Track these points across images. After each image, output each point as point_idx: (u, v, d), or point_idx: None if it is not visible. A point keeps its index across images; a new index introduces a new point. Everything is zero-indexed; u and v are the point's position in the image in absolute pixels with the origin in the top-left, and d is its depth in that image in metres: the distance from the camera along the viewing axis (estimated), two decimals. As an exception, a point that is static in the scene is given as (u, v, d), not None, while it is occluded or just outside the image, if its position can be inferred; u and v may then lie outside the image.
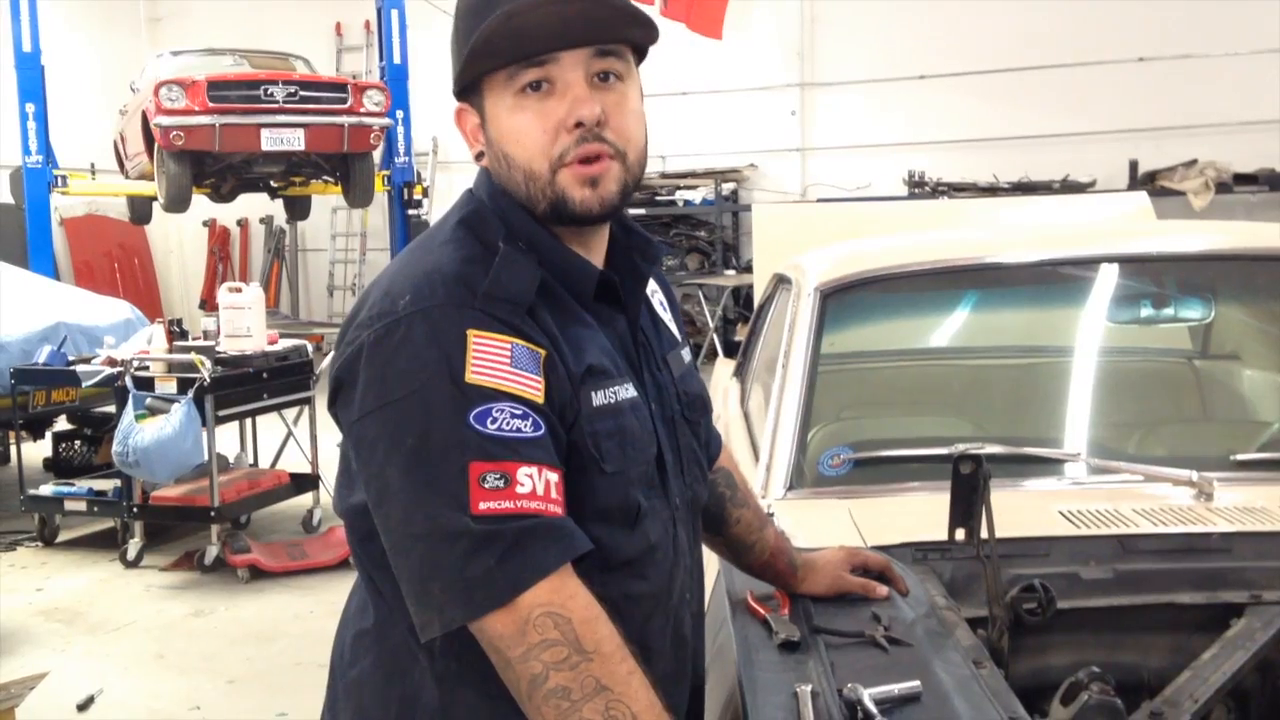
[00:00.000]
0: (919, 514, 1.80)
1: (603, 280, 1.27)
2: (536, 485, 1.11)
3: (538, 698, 1.08)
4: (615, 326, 1.29)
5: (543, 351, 1.16)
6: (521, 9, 1.15)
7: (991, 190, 10.38)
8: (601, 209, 1.22)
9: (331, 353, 1.32)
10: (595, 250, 1.29)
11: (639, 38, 1.22)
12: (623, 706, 1.07)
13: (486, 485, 1.09)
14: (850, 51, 11.45)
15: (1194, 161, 10.05)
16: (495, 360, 1.13)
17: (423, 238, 1.28)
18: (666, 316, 1.45)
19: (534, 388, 1.14)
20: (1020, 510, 1.85)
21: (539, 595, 1.08)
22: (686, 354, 1.46)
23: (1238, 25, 10.01)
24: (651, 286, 1.43)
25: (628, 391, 1.25)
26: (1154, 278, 2.65)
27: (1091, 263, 2.57)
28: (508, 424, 1.11)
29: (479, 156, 1.28)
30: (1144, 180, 10.03)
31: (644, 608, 1.28)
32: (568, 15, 1.17)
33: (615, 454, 1.22)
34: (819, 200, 10.93)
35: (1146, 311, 2.70)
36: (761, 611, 1.45)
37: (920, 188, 10.87)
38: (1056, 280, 2.66)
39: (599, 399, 1.21)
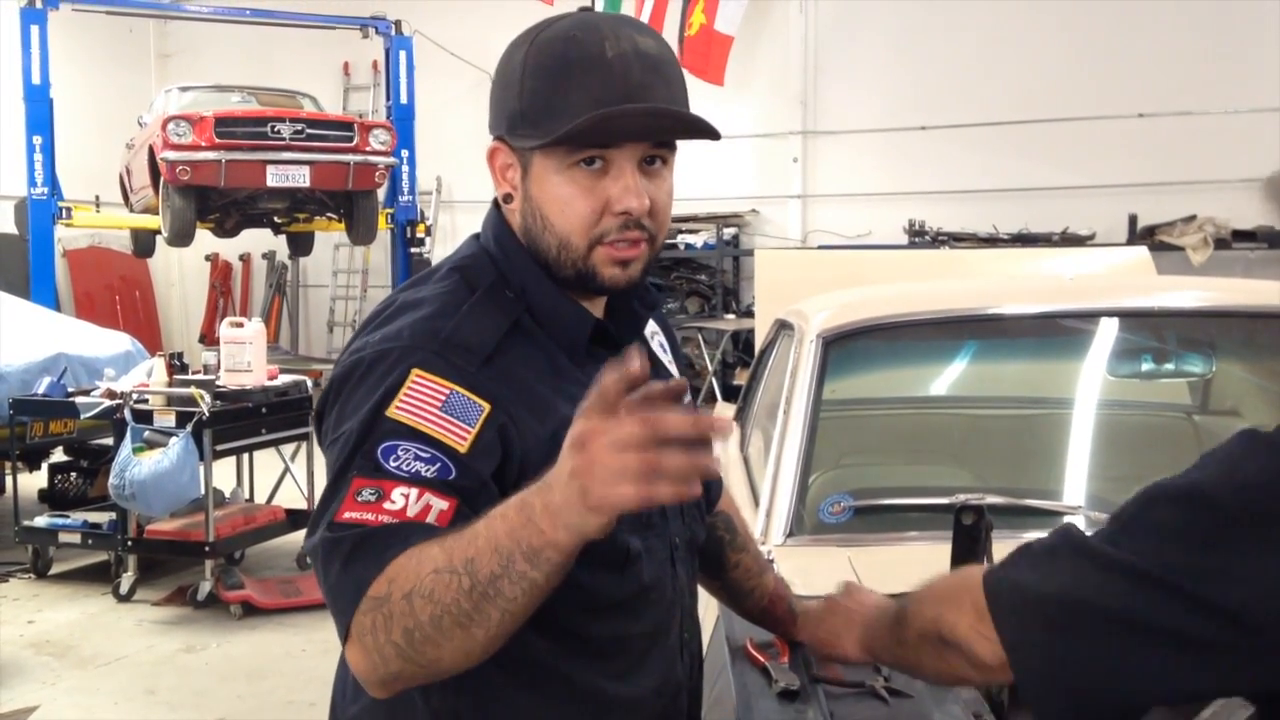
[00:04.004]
0: (919, 563, 1.79)
1: (599, 326, 1.28)
2: (411, 506, 1.09)
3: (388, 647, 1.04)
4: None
5: (486, 405, 1.15)
6: (616, 115, 1.16)
7: (991, 241, 10.43)
8: (627, 285, 1.25)
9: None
10: (596, 299, 1.30)
11: (700, 138, 1.24)
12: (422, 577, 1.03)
13: (359, 499, 1.10)
14: (853, 101, 11.55)
15: (1193, 217, 10.11)
16: (425, 402, 1.13)
17: (423, 278, 1.30)
18: (666, 358, 1.45)
19: (458, 436, 1.13)
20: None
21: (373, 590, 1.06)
22: (686, 397, 1.46)
23: (1238, 83, 10.10)
24: (652, 328, 1.44)
25: None
26: (1155, 332, 2.66)
27: (1093, 316, 2.58)
28: (408, 464, 1.11)
29: (506, 199, 1.28)
30: (1143, 234, 10.09)
31: (639, 647, 1.28)
32: (661, 125, 1.20)
33: None
34: (820, 247, 10.97)
35: (1147, 366, 2.71)
36: (761, 659, 1.44)
37: (920, 237, 10.92)
38: (1058, 332, 2.67)
39: None
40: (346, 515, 1.09)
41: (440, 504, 1.10)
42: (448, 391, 1.14)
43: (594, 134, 1.17)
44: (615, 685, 1.26)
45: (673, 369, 1.45)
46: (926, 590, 1.20)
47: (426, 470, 1.10)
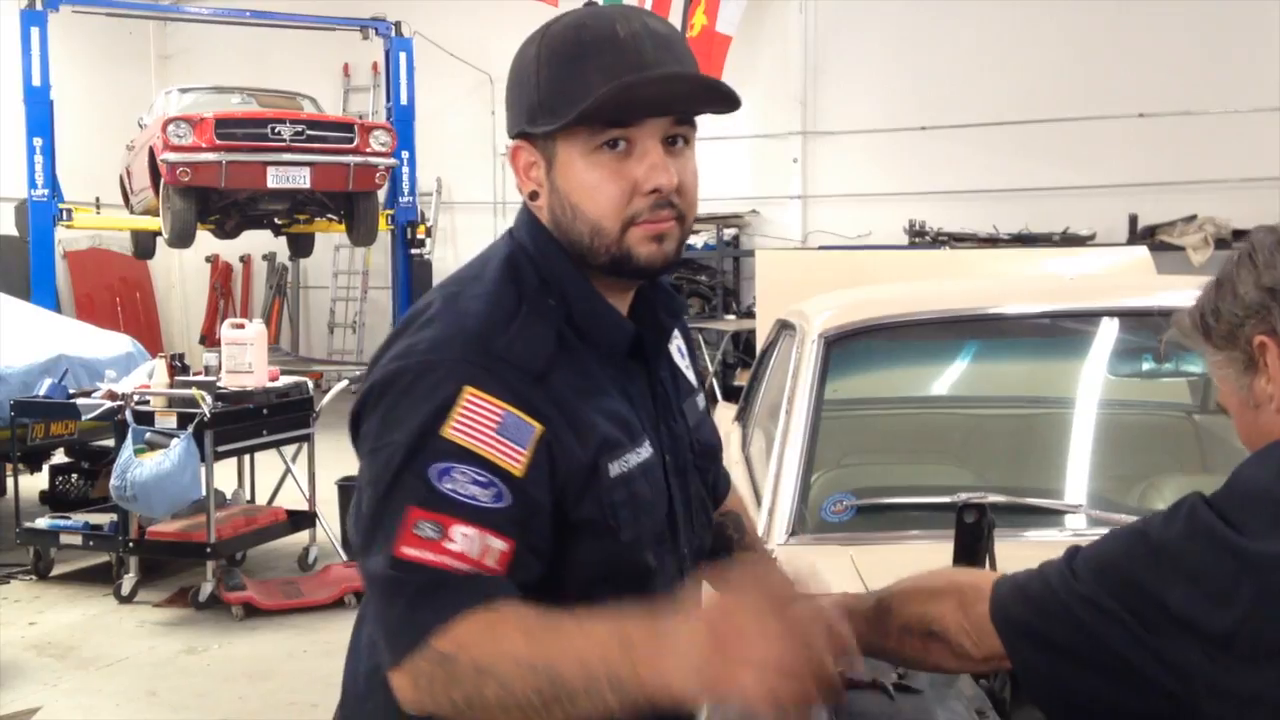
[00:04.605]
0: (921, 562, 1.79)
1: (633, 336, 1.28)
2: (473, 547, 1.09)
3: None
4: (635, 380, 1.29)
5: (539, 427, 1.14)
6: (641, 83, 1.16)
7: (992, 241, 10.43)
8: (664, 264, 1.24)
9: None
10: (623, 304, 1.30)
11: (721, 110, 1.24)
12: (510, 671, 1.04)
13: (417, 532, 1.09)
14: (853, 101, 11.55)
15: (1193, 217, 10.12)
16: (481, 422, 1.12)
17: (466, 278, 1.26)
18: (684, 363, 1.45)
19: (514, 459, 1.12)
20: (1022, 560, 1.83)
21: (439, 643, 1.07)
22: (701, 400, 1.47)
23: (1238, 83, 10.11)
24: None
25: (639, 455, 1.24)
26: (1155, 332, 2.66)
27: (1094, 315, 2.58)
28: (464, 488, 1.10)
29: (532, 196, 1.27)
30: (1143, 234, 10.10)
31: None
32: (677, 92, 1.20)
33: (630, 520, 1.22)
34: (820, 248, 10.98)
35: (1147, 365, 2.72)
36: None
37: (921, 237, 10.93)
38: (1059, 332, 2.68)
39: (614, 469, 1.21)
40: (407, 552, 1.08)
41: (499, 545, 1.10)
42: (503, 412, 1.13)
43: (615, 107, 1.16)
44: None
45: (690, 375, 1.45)
46: (910, 587, 1.29)
47: (482, 495, 1.10)
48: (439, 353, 1.15)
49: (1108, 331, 2.59)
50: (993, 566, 1.55)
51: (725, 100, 1.20)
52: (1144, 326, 2.63)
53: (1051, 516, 2.15)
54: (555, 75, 1.19)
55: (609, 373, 1.25)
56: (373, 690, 1.27)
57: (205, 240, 10.80)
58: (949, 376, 3.01)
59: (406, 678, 1.08)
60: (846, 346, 2.52)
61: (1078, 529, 2.12)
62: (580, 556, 1.19)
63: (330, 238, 12.33)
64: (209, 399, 5.29)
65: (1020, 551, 1.91)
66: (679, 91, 1.21)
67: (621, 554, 1.22)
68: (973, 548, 1.56)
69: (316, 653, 4.78)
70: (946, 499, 1.93)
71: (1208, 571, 1.03)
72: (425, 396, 1.13)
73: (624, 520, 1.21)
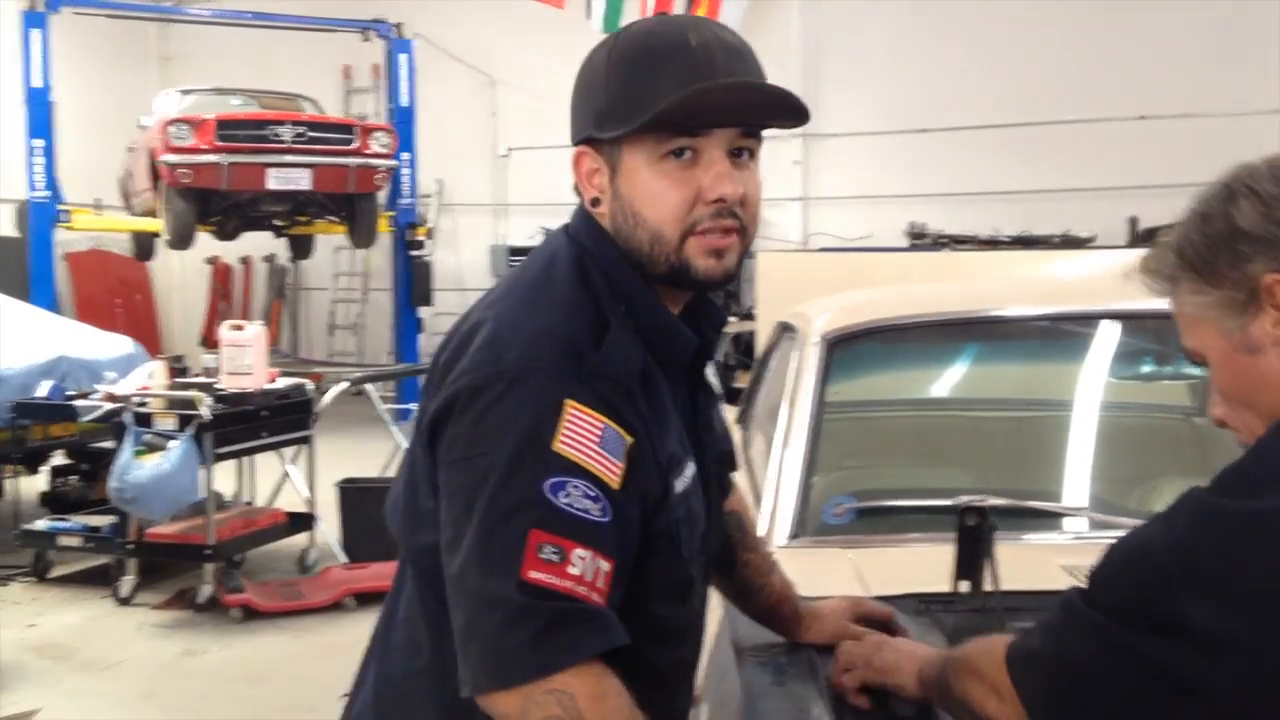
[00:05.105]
0: (922, 565, 1.79)
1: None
2: (587, 570, 1.09)
3: None
4: (680, 392, 1.29)
5: (630, 439, 1.14)
6: (718, 89, 1.17)
7: (992, 243, 10.44)
8: (723, 278, 1.24)
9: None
10: (676, 314, 1.29)
11: (789, 124, 1.23)
12: None
13: (542, 556, 1.08)
14: (853, 103, 11.56)
15: (1193, 219, 10.13)
16: (585, 435, 1.11)
17: (535, 282, 1.24)
18: (709, 371, 1.46)
19: (614, 473, 1.12)
20: (1023, 563, 1.84)
21: (562, 681, 1.07)
22: (722, 408, 1.47)
23: (1238, 86, 10.12)
24: None
25: (691, 469, 1.25)
26: (1156, 335, 2.66)
27: (1095, 318, 2.58)
28: (578, 502, 1.10)
29: (594, 203, 1.26)
30: (1143, 237, 10.10)
31: (684, 672, 1.32)
32: (749, 102, 1.20)
33: (688, 537, 1.23)
34: (821, 250, 10.99)
35: (1148, 368, 2.71)
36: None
37: (921, 239, 10.93)
38: (1060, 335, 2.67)
39: (679, 485, 1.22)
40: (533, 576, 1.07)
41: (605, 566, 1.10)
42: (603, 426, 1.13)
43: (687, 113, 1.16)
44: (666, 708, 1.28)
45: (714, 382, 1.46)
46: (963, 657, 1.22)
47: (594, 509, 1.10)
48: (528, 361, 1.14)
49: (1108, 334, 2.58)
50: (993, 569, 1.55)
51: (795, 113, 1.20)
52: (1144, 329, 2.63)
53: (1052, 519, 2.15)
54: (625, 81, 1.19)
55: (666, 385, 1.25)
56: (411, 693, 1.27)
57: (205, 242, 10.80)
58: (950, 379, 3.00)
59: (518, 703, 1.07)
60: (847, 349, 2.51)
61: (1079, 532, 2.12)
62: (649, 574, 1.19)
63: (330, 239, 12.34)
64: (208, 401, 5.29)
65: (1021, 554, 1.91)
66: (751, 101, 1.20)
67: (680, 570, 1.23)
68: (973, 550, 1.56)
69: (315, 655, 4.78)
70: (947, 502, 1.93)
71: (1228, 573, 0.93)
72: (524, 406, 1.12)
73: (684, 537, 1.22)
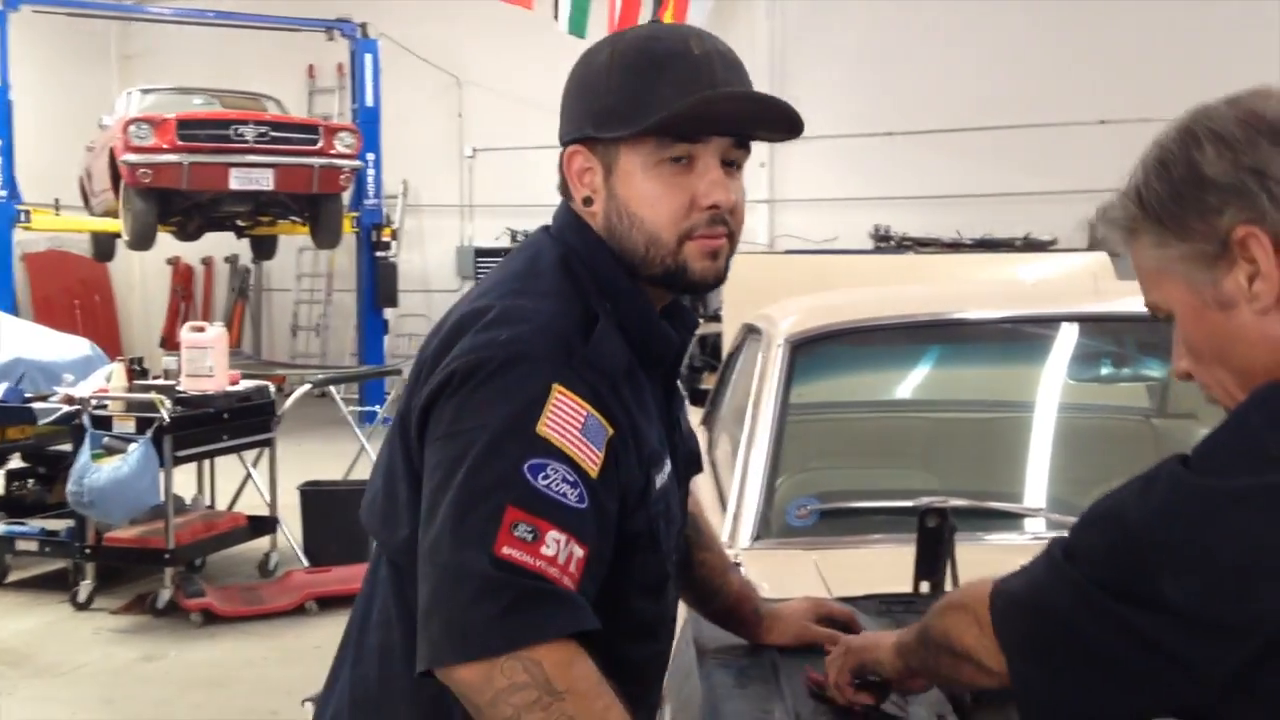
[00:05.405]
0: (884, 566, 1.81)
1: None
2: (560, 553, 1.10)
3: None
4: (656, 393, 1.31)
5: (611, 430, 1.16)
6: (724, 98, 1.21)
7: (955, 246, 10.53)
8: (716, 279, 1.26)
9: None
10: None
11: (783, 137, 1.27)
12: None
13: (516, 533, 1.09)
14: (819, 106, 11.59)
15: (1152, 223, 10.26)
16: (569, 421, 1.13)
17: (523, 274, 1.25)
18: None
19: (593, 461, 1.14)
20: (983, 564, 1.84)
21: (528, 654, 1.07)
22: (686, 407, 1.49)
23: (1198, 91, 10.16)
24: None
25: (668, 467, 1.28)
26: (1114, 337, 2.69)
27: (1054, 321, 2.61)
28: (557, 485, 1.11)
29: (585, 202, 1.27)
30: (1104, 240, 10.22)
31: (658, 667, 1.34)
32: (749, 112, 1.24)
33: (665, 533, 1.26)
34: (787, 251, 11.03)
35: (1106, 370, 2.74)
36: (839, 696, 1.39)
37: (886, 242, 11.01)
38: (1021, 337, 2.70)
39: (658, 481, 1.24)
40: (506, 552, 1.08)
41: (579, 551, 1.11)
42: (585, 413, 1.14)
43: (692, 120, 1.19)
44: (646, 702, 1.30)
45: (680, 385, 1.47)
46: (946, 598, 1.23)
47: (571, 493, 1.12)
48: (520, 345, 1.16)
49: (1068, 337, 2.61)
50: (953, 570, 1.56)
51: (791, 126, 1.24)
52: (1103, 332, 2.67)
53: (1013, 520, 2.17)
54: (628, 83, 1.22)
55: (647, 383, 1.27)
56: (388, 696, 1.26)
57: (166, 242, 10.68)
58: (913, 381, 3.03)
59: (481, 674, 1.07)
60: (811, 351, 2.53)
61: (1037, 532, 2.14)
62: (631, 571, 1.21)
63: (294, 240, 12.24)
64: (168, 403, 5.23)
65: (981, 555, 1.92)
66: (753, 112, 1.24)
67: (658, 565, 1.26)
68: (934, 551, 1.57)
69: (276, 660, 4.74)
70: (909, 503, 1.94)
71: (1209, 551, 0.91)
72: (513, 388, 1.14)
73: (662, 532, 1.25)
